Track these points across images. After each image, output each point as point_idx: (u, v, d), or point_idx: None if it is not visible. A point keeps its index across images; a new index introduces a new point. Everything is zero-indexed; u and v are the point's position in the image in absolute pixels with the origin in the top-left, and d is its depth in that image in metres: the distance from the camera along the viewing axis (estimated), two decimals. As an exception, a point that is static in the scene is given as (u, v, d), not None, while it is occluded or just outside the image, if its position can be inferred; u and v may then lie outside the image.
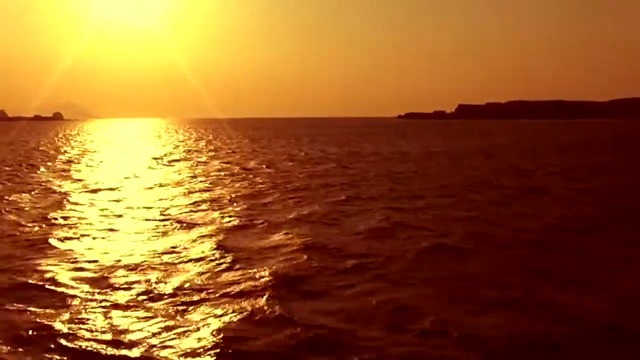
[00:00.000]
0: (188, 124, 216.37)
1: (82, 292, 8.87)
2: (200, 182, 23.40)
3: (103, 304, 8.32)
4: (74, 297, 8.63)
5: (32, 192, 20.25)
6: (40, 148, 51.43)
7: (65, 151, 46.69)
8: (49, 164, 33.28)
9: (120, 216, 15.38)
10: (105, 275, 9.78)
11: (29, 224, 14.19)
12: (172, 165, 31.77)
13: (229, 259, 10.70)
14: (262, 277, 9.45)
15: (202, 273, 9.87)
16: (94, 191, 20.64)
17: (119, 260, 10.66)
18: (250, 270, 9.94)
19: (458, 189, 20.70)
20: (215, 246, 11.68)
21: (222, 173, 27.06)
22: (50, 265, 10.39)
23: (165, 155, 41.64)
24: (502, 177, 24.41)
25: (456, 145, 51.82)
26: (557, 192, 20.10)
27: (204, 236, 12.74)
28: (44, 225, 14.05)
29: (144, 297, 8.63)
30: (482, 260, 10.75)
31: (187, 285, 9.18)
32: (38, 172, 28.13)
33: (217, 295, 8.70)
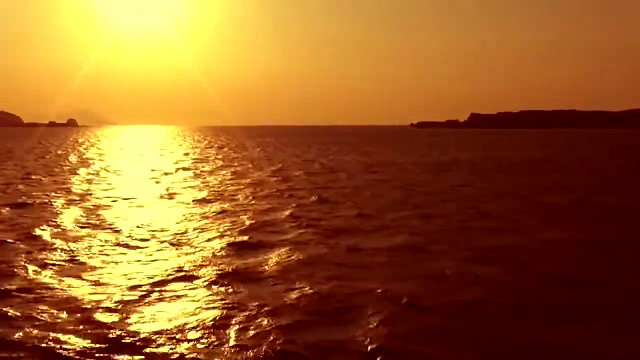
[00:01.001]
0: (202, 131, 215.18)
1: (61, 333, 7.31)
2: (209, 194, 21.88)
3: (80, 349, 6.76)
4: (50, 340, 7.07)
5: (29, 207, 18.81)
6: (52, 156, 50.25)
7: (72, 161, 45.44)
8: (53, 176, 31.95)
9: (120, 232, 13.86)
10: (87, 314, 8.21)
11: (15, 243, 12.70)
12: (184, 174, 30.36)
13: (237, 293, 9.12)
14: (275, 332, 7.84)
15: (201, 314, 8.27)
16: (94, 207, 19.18)
17: (109, 294, 9.10)
18: (259, 318, 8.33)
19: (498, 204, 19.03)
20: (219, 274, 10.10)
21: (235, 185, 25.54)
22: (27, 298, 8.84)
23: (176, 163, 40.33)
24: (534, 192, 22.68)
25: (477, 155, 50.03)
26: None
27: (208, 261, 11.17)
28: (31, 246, 12.54)
29: (132, 340, 7.06)
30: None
31: (176, 328, 7.60)
32: (41, 181, 26.81)
33: (215, 345, 7.11)
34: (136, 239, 13.27)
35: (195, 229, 14.56)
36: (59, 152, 56.30)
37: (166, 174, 31.50)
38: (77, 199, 20.58)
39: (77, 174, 31.02)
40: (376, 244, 12.72)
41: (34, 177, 28.98)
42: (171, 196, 21.38)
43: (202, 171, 33.34)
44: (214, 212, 17.32)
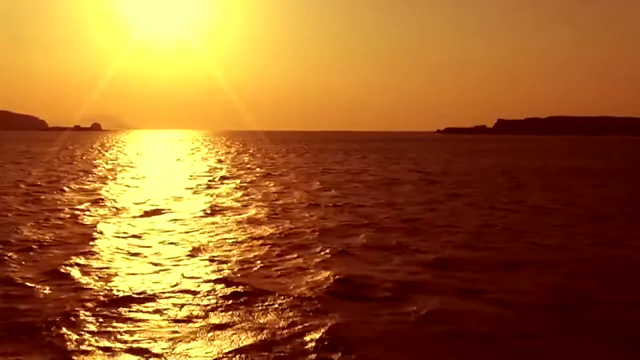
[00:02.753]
0: (225, 136, 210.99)
1: None
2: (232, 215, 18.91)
3: None
4: None
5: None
6: (82, 159, 47.93)
7: (100, 164, 43.04)
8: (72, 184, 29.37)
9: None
10: None
11: None
12: (208, 187, 27.53)
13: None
14: None
15: None
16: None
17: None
18: None
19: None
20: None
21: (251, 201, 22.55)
22: None
23: (201, 176, 37.54)
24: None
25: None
26: None
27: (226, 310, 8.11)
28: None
29: None
30: None
31: None
32: (58, 193, 24.15)
33: None
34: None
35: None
36: (89, 154, 53.94)
37: (196, 185, 28.59)
38: (110, 211, 17.73)
39: (109, 180, 28.31)
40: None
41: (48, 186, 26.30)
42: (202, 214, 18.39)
43: (219, 183, 30.42)
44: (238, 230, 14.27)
